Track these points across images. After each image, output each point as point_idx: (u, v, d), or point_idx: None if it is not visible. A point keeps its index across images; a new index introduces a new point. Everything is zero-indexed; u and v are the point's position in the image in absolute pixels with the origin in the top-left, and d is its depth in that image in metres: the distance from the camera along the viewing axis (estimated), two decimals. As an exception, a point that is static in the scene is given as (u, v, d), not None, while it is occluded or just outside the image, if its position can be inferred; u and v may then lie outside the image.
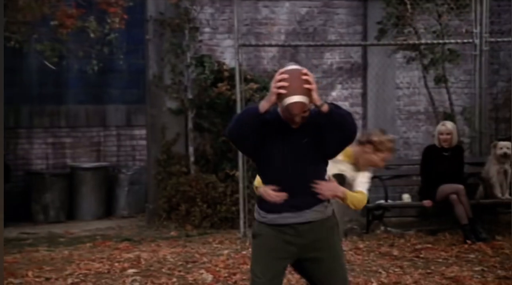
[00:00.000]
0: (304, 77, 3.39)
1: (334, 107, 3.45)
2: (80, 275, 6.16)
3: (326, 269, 3.65)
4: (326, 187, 3.59)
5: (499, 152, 7.75)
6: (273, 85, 3.40)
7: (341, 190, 3.78)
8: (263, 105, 3.42)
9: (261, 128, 3.53)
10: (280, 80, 3.38)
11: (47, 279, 6.03)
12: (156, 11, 8.86)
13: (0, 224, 4.02)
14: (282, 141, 3.57)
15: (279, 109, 3.63)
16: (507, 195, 7.83)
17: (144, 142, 9.94)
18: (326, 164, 3.69)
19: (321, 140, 3.54)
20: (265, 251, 3.61)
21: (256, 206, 3.74)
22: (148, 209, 9.05)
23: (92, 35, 8.35)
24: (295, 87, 3.37)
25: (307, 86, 3.37)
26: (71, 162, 10.15)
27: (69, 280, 5.98)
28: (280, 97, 3.39)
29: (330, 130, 3.47)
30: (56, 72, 9.10)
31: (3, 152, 8.03)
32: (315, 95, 3.39)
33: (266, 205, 3.62)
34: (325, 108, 3.40)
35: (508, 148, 7.76)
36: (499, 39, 8.95)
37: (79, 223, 9.34)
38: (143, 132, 9.96)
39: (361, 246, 7.22)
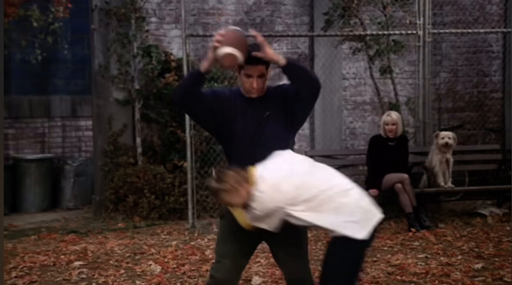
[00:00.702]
0: (238, 33, 3.56)
1: (293, 61, 3.61)
2: (25, 269, 6.06)
3: (287, 251, 3.69)
4: None
5: (441, 142, 7.93)
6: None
7: None
8: (203, 65, 3.58)
9: (216, 102, 3.63)
10: (218, 35, 3.54)
11: (-9, 273, 5.90)
12: (102, 0, 8.73)
13: (0, 222, 3.92)
14: (244, 118, 3.64)
15: (241, 89, 3.72)
16: (449, 184, 8.02)
17: (90, 133, 9.80)
18: (291, 139, 3.74)
19: (285, 112, 3.63)
20: (229, 232, 3.68)
21: None
22: (94, 200, 8.95)
23: (35, 24, 8.18)
24: (228, 39, 3.51)
25: (259, 39, 3.53)
26: (14, 153, 9.94)
27: (13, 274, 5.87)
28: (215, 51, 3.52)
29: (295, 87, 3.58)
30: (-2, 61, 8.89)
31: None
32: (268, 50, 3.53)
33: None
34: (282, 61, 3.53)
35: (449, 138, 7.94)
36: (441, 31, 9.14)
37: (23, 215, 9.16)
38: (89, 123, 9.82)
39: (309, 235, 7.28)
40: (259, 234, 3.67)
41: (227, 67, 3.60)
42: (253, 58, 3.64)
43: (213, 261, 3.81)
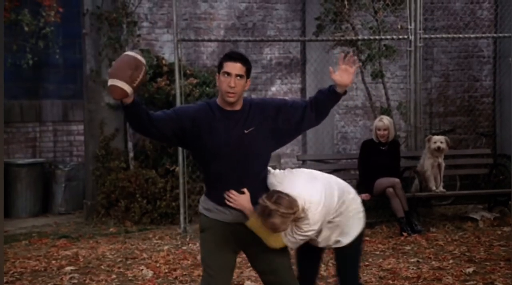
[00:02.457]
0: (126, 59, 3.38)
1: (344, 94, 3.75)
2: (16, 274, 6.04)
3: (268, 258, 3.64)
4: (237, 199, 3.54)
5: (433, 146, 7.95)
6: None
7: (248, 207, 3.54)
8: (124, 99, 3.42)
9: (177, 123, 3.54)
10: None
11: (-19, 278, 5.87)
12: (93, 5, 8.71)
13: (0, 222, 3.91)
14: (220, 133, 3.50)
15: (217, 99, 3.60)
16: (441, 188, 8.04)
17: (81, 138, 9.77)
18: (269, 158, 3.67)
19: (273, 132, 3.55)
20: (215, 244, 3.61)
21: (204, 198, 3.69)
22: (86, 205, 8.92)
23: (26, 28, 8.16)
24: (116, 70, 3.37)
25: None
26: (5, 158, 9.88)
27: (4, 279, 5.85)
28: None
29: (306, 113, 3.61)
30: (-11, 66, 8.85)
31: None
32: (352, 70, 3.82)
33: (216, 197, 3.58)
34: (343, 89, 3.70)
35: (441, 142, 7.96)
36: (432, 36, 9.18)
37: (14, 220, 9.10)
38: (80, 127, 9.79)
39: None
40: (243, 243, 3.64)
41: (119, 98, 3.39)
42: (233, 54, 3.52)
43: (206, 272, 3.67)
